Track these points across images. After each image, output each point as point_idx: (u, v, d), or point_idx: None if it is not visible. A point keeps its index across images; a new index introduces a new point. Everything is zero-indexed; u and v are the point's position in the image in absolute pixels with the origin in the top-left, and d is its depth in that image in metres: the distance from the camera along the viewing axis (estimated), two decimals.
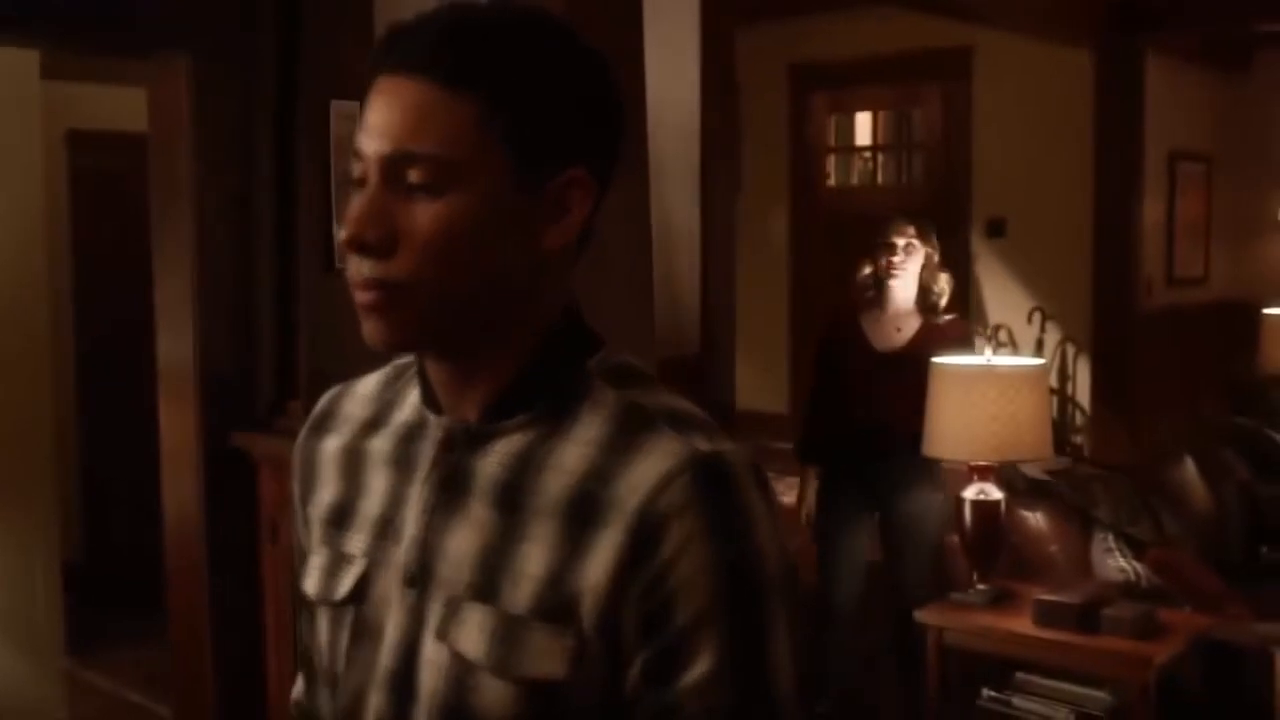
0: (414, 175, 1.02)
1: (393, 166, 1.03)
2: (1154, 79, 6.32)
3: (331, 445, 1.21)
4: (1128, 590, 4.16)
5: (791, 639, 1.04)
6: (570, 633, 1.02)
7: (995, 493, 3.76)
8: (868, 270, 4.42)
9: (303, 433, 1.25)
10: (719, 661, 1.00)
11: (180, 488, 3.74)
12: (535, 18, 1.07)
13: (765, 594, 1.03)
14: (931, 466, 4.20)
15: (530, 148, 1.04)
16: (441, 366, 1.11)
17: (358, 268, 1.06)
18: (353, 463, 1.18)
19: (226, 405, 3.66)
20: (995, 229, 6.89)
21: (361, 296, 1.06)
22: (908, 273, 4.30)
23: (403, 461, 1.14)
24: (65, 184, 5.70)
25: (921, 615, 3.80)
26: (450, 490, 1.09)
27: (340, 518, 1.18)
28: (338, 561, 1.16)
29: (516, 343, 1.09)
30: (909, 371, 4.09)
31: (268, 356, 3.71)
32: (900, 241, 4.29)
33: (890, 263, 4.29)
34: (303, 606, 1.24)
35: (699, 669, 1.00)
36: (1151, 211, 6.50)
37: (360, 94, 1.08)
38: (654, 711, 1.02)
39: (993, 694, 3.82)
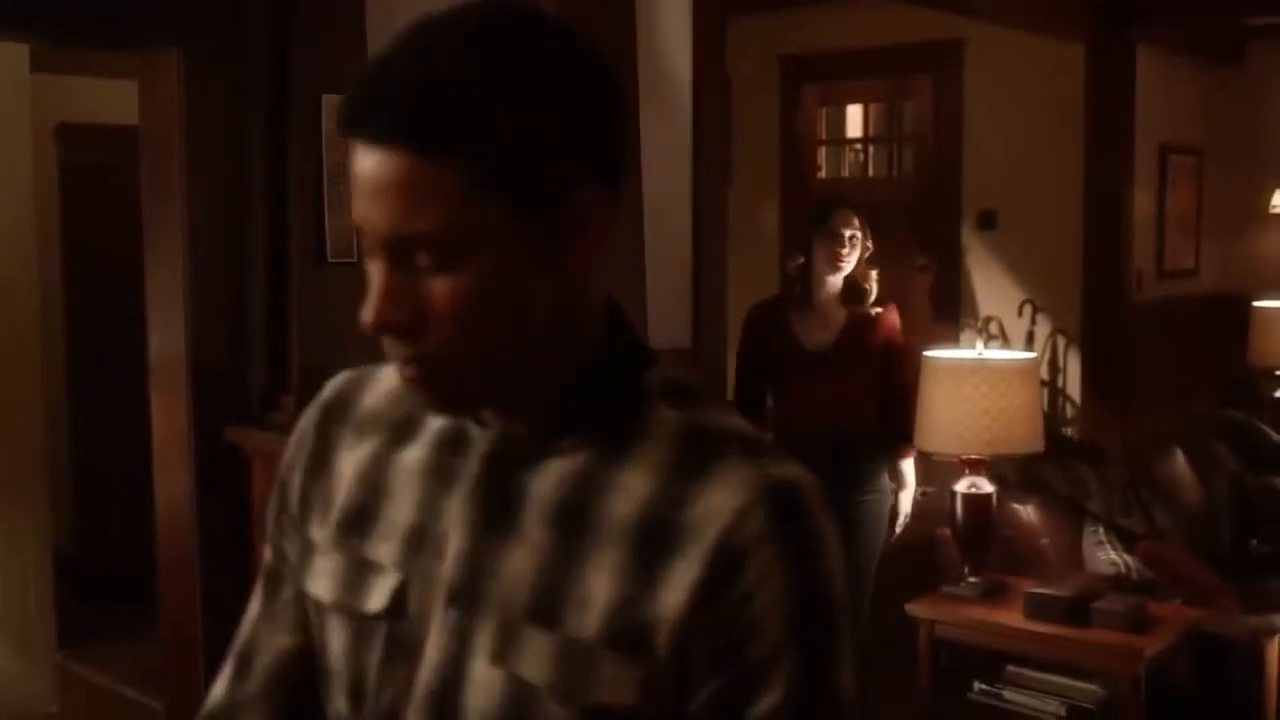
0: (421, 257, 0.97)
1: (397, 248, 0.98)
2: (1145, 72, 6.33)
3: (351, 440, 1.16)
4: (1118, 583, 4.17)
5: (854, 655, 1.03)
6: (643, 661, 0.99)
7: (986, 486, 3.77)
8: (800, 261, 4.17)
9: (311, 415, 1.20)
10: (791, 690, 0.99)
11: (172, 482, 3.74)
12: (513, 35, 0.99)
13: (836, 617, 1.02)
14: (877, 469, 4.14)
15: (531, 192, 0.98)
16: None
17: (393, 347, 1.02)
18: (378, 466, 1.13)
19: (218, 399, 3.66)
20: (986, 221, 6.89)
21: (403, 371, 1.03)
22: (848, 267, 4.08)
23: (442, 472, 1.09)
24: (55, 177, 5.68)
25: (913, 608, 3.81)
26: (501, 508, 1.05)
27: (360, 522, 1.12)
28: (361, 569, 1.11)
29: (563, 362, 1.06)
30: (842, 369, 4.06)
31: (260, 350, 3.71)
32: (847, 233, 4.05)
33: (837, 254, 4.05)
34: (268, 595, 1.21)
35: (771, 698, 0.99)
36: (1142, 204, 6.51)
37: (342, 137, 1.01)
38: None
39: (984, 686, 3.83)
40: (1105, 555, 4.30)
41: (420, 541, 1.08)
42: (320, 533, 1.15)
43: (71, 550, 5.67)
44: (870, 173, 7.79)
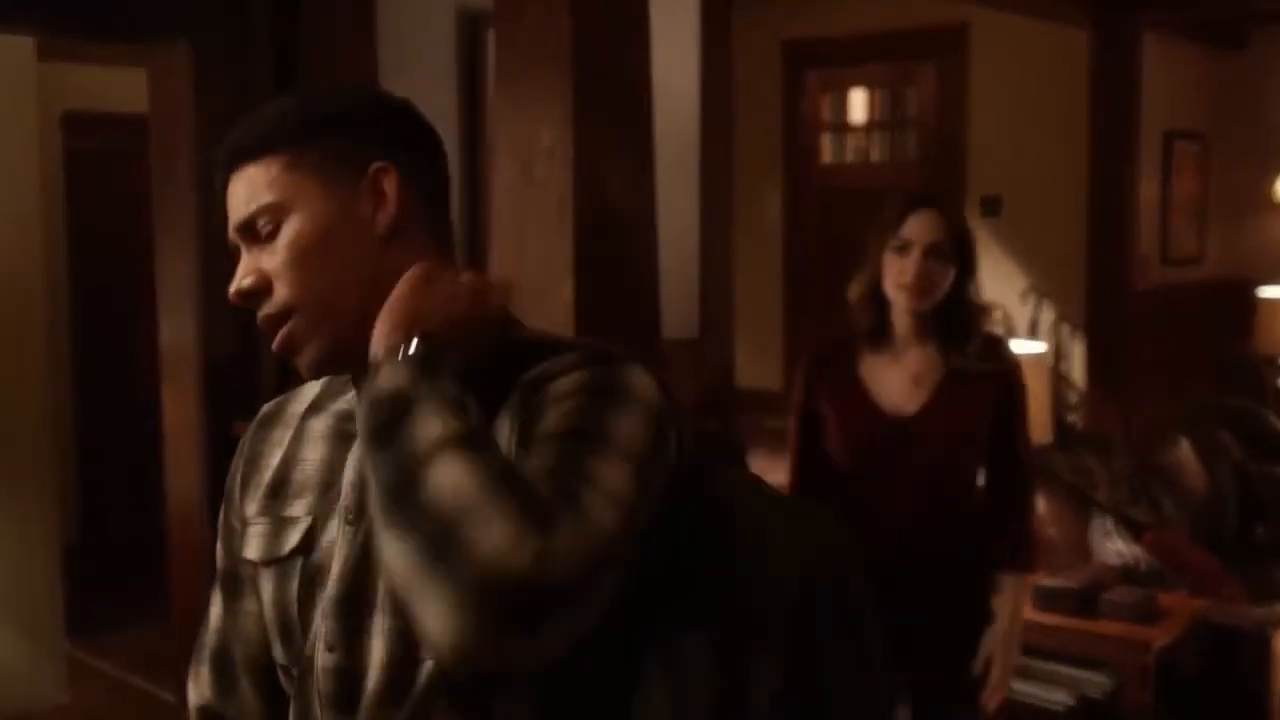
0: (261, 229, 1.26)
1: (245, 231, 1.28)
2: (1150, 57, 6.31)
3: (278, 436, 1.39)
4: (1126, 574, 4.19)
5: (623, 483, 1.15)
6: None
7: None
8: (862, 286, 2.84)
9: (247, 433, 1.43)
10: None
11: (183, 473, 3.74)
12: (308, 89, 1.43)
13: (609, 446, 1.18)
14: (981, 612, 2.87)
15: (331, 168, 1.27)
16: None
17: (260, 321, 1.28)
18: (294, 442, 1.37)
19: (229, 391, 3.66)
20: (990, 208, 6.88)
21: (276, 344, 1.28)
22: (935, 289, 2.76)
23: (341, 435, 1.32)
24: (61, 166, 5.67)
25: None
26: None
27: (278, 489, 1.35)
28: (280, 525, 1.33)
29: None
30: (934, 447, 2.79)
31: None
32: (926, 242, 2.73)
33: (911, 277, 2.73)
34: (223, 590, 1.40)
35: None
36: (1147, 190, 6.50)
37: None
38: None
39: None
40: (1113, 546, 4.32)
41: (327, 491, 1.31)
42: (250, 508, 1.37)
43: (78, 540, 5.68)
44: (873, 158, 7.78)
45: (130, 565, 5.29)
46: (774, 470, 5.08)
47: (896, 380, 2.83)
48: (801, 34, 7.35)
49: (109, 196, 5.66)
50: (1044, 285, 6.60)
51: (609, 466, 1.13)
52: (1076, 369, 6.53)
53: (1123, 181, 6.35)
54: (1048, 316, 6.59)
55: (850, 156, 7.87)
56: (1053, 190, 6.63)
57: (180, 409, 3.73)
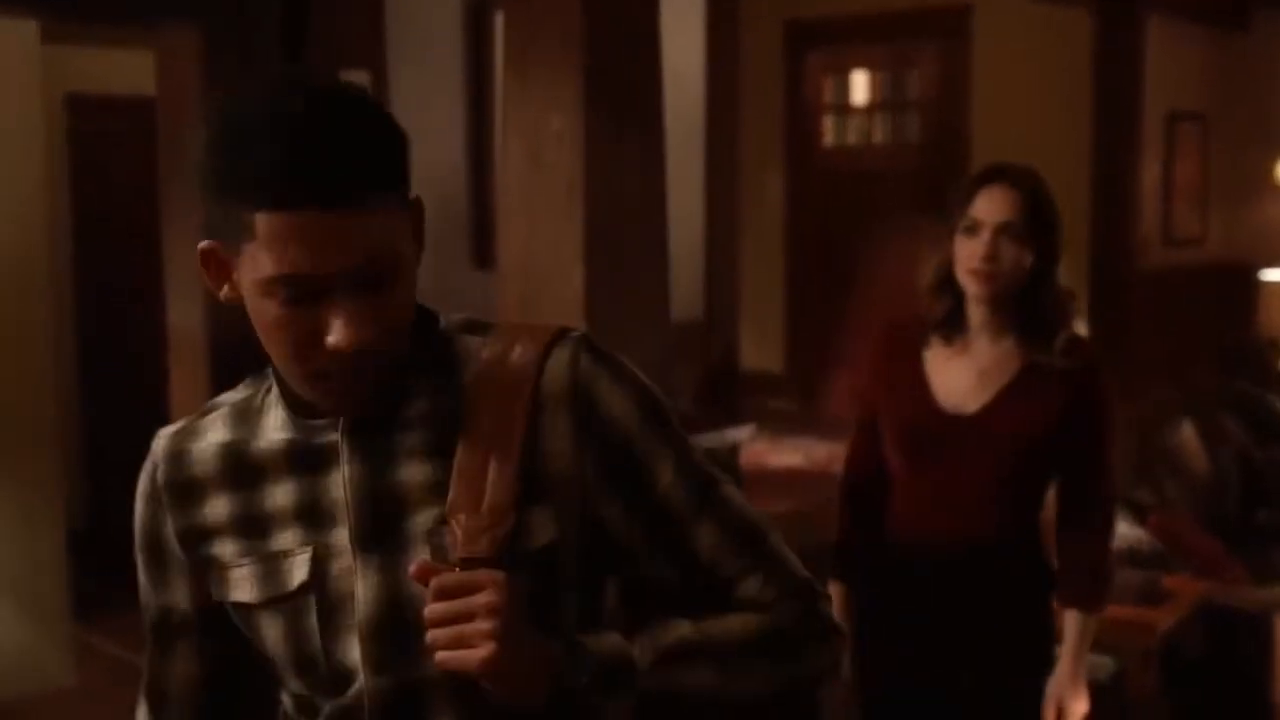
0: (376, 276, 1.17)
1: (358, 275, 1.16)
2: (1153, 39, 6.30)
3: (201, 474, 1.33)
4: (1130, 557, 4.21)
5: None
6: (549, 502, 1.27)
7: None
8: (939, 269, 2.59)
9: (155, 479, 1.35)
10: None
11: None
12: (359, 98, 1.21)
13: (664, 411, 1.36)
14: (1044, 622, 2.64)
15: (409, 207, 1.24)
16: None
17: (344, 360, 1.18)
18: (236, 477, 1.31)
19: (238, 374, 3.66)
20: None
21: (355, 382, 1.21)
22: (1007, 274, 2.49)
23: (305, 464, 1.28)
24: (64, 148, 5.66)
25: None
26: (378, 464, 1.26)
27: (249, 526, 1.30)
28: (273, 561, 1.29)
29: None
30: (994, 449, 2.52)
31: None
32: (998, 221, 2.48)
33: (982, 259, 2.47)
34: (162, 642, 1.39)
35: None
36: (1149, 172, 6.50)
37: (256, 206, 1.15)
38: None
39: None
40: (1117, 529, 4.33)
41: (314, 519, 1.27)
42: (217, 550, 1.32)
43: (84, 523, 5.68)
44: (876, 140, 7.77)
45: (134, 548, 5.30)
46: (775, 453, 5.09)
47: (961, 374, 2.55)
48: (804, 15, 7.33)
49: (112, 179, 5.65)
50: None
51: (731, 493, 1.35)
52: None
53: (1125, 163, 6.35)
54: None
55: (852, 138, 7.85)
56: (1055, 172, 6.57)
57: (189, 393, 3.73)
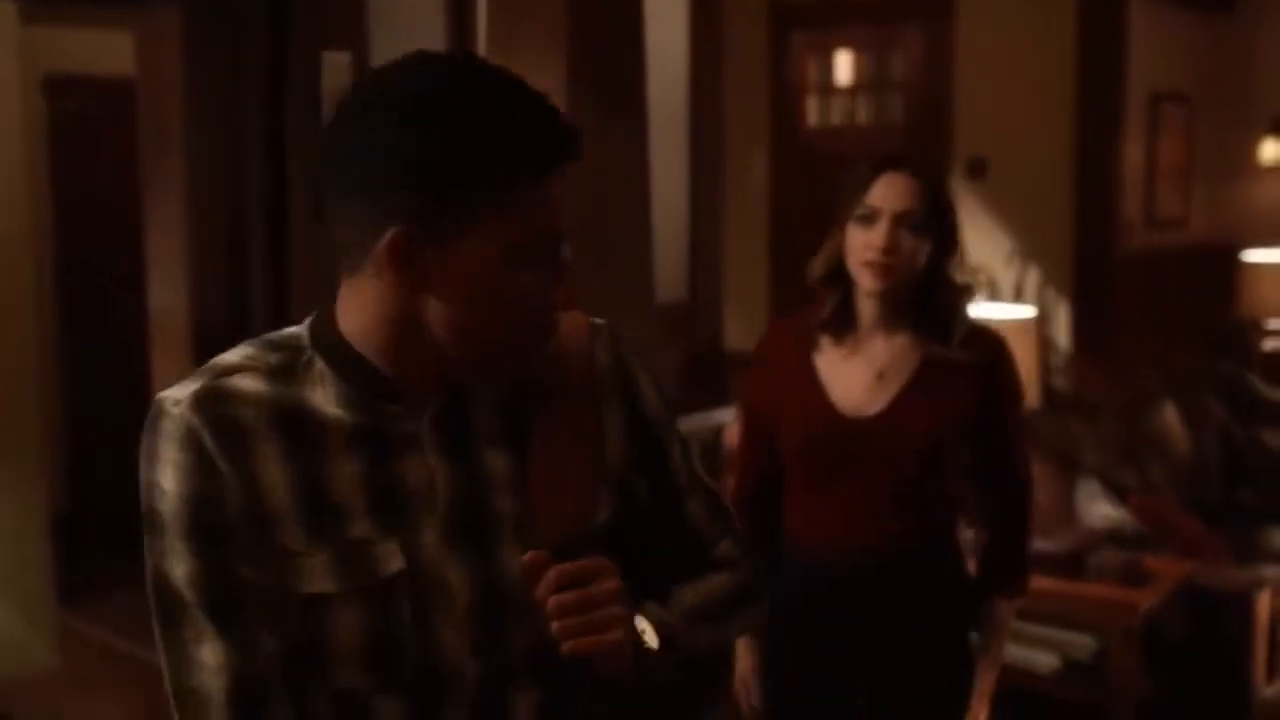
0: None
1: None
2: (1137, 20, 6.30)
3: (257, 448, 1.22)
4: (1113, 536, 4.23)
5: None
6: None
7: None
8: (824, 263, 2.44)
9: (190, 472, 1.22)
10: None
11: None
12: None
13: None
14: (963, 621, 2.52)
15: None
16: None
17: (546, 317, 1.30)
18: (297, 457, 1.23)
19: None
20: (976, 171, 6.88)
21: (542, 335, 1.30)
22: (904, 267, 2.33)
23: (373, 448, 1.25)
24: (43, 130, 5.62)
25: None
26: (461, 452, 1.29)
27: (316, 513, 1.23)
28: (353, 550, 1.23)
29: None
30: (900, 453, 2.37)
31: (261, 309, 3.70)
32: (895, 210, 2.32)
33: (878, 251, 2.31)
34: (230, 624, 1.22)
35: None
36: (1132, 153, 6.51)
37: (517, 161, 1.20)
38: None
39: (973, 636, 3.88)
40: (1099, 509, 4.35)
41: (389, 508, 1.25)
42: (286, 536, 1.22)
43: (68, 507, 5.67)
44: (859, 120, 7.76)
45: (120, 532, 5.26)
46: None
47: (857, 375, 2.40)
48: None
49: (93, 160, 5.62)
50: (1029, 248, 6.61)
51: (700, 467, 1.52)
52: (1062, 333, 6.56)
53: (1109, 144, 6.36)
54: (1033, 280, 6.60)
55: (836, 119, 7.84)
56: (1039, 153, 6.63)
57: (171, 374, 3.71)
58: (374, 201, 1.19)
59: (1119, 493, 4.46)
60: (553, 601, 1.21)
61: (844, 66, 7.76)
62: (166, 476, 1.22)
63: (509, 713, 1.29)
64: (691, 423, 3.17)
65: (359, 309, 1.25)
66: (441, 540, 1.26)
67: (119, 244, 4.68)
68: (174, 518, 1.21)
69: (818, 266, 2.44)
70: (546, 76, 2.60)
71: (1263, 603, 3.92)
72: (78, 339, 5.82)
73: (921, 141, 6.95)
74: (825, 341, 2.43)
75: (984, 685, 2.50)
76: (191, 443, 1.21)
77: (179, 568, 1.22)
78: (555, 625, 1.21)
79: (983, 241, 6.82)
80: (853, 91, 7.79)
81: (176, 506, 1.21)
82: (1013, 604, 2.55)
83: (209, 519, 1.21)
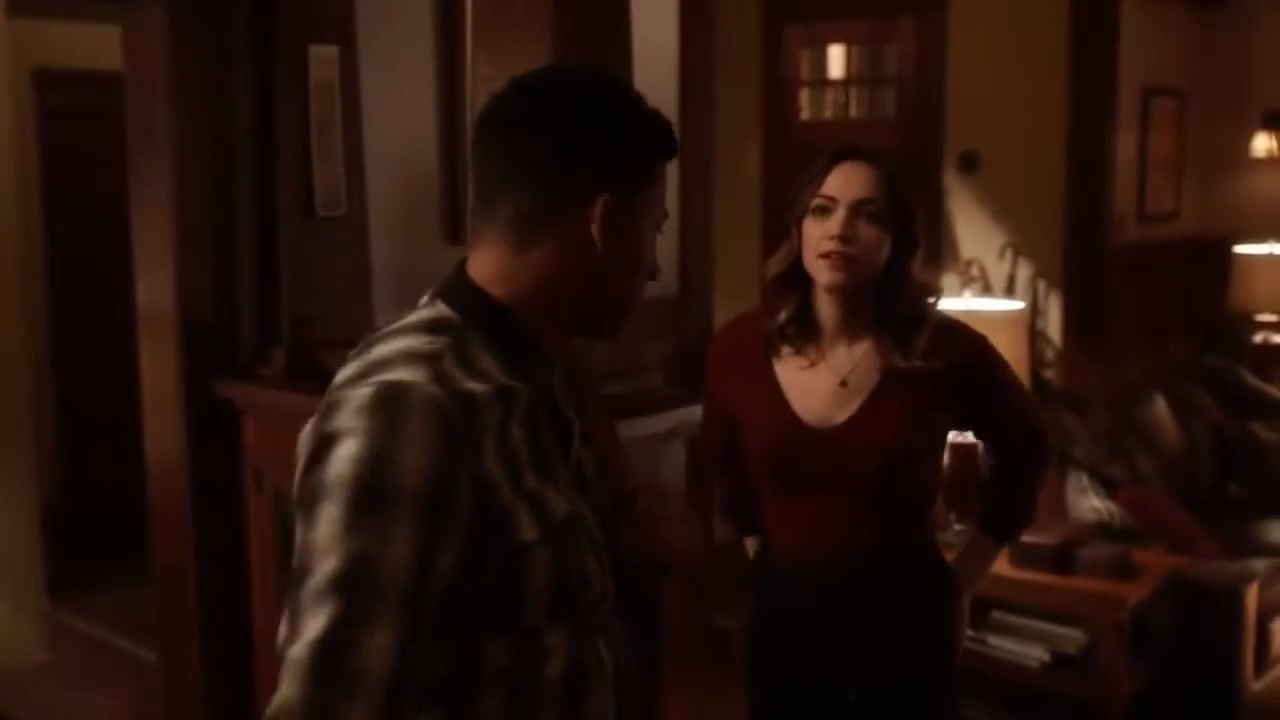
0: None
1: None
2: (1129, 14, 6.30)
3: (499, 416, 1.35)
4: (1102, 530, 4.23)
5: None
6: None
7: (972, 435, 3.79)
8: (780, 260, 2.33)
9: (441, 448, 1.26)
10: None
11: (163, 433, 3.73)
12: None
13: None
14: (942, 623, 2.45)
15: None
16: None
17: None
18: (516, 420, 1.37)
19: (208, 350, 3.65)
20: (968, 164, 6.88)
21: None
22: (862, 259, 2.23)
23: (527, 412, 1.39)
24: (33, 124, 5.61)
25: None
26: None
27: (535, 463, 1.38)
28: (534, 498, 1.36)
29: None
30: (866, 469, 2.27)
31: (249, 302, 3.69)
32: (850, 199, 2.23)
33: (834, 244, 2.21)
34: (416, 618, 1.24)
35: None
36: (1125, 146, 6.51)
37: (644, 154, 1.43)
38: None
39: (969, 633, 3.87)
40: (1089, 502, 4.35)
41: (541, 455, 1.40)
42: (501, 497, 1.33)
43: (59, 500, 5.66)
44: (852, 114, 7.76)
45: (111, 525, 5.28)
46: None
47: (820, 385, 2.29)
48: None
49: (83, 154, 5.60)
50: (1021, 242, 6.61)
51: None
52: (1053, 326, 6.56)
53: (1101, 138, 6.36)
54: (1025, 273, 6.60)
55: (829, 113, 7.84)
56: (1031, 147, 6.63)
57: (159, 368, 3.71)
58: (590, 172, 1.38)
59: (1109, 486, 4.46)
60: (652, 517, 1.55)
61: (837, 60, 7.75)
62: (413, 452, 1.24)
63: (613, 630, 1.51)
64: (679, 416, 3.16)
65: (517, 276, 1.40)
66: (572, 483, 1.44)
67: (109, 237, 4.66)
68: (413, 493, 1.24)
69: (773, 265, 2.33)
70: (532, 68, 2.58)
71: (1251, 596, 3.92)
72: (68, 333, 5.81)
73: (914, 135, 6.94)
74: (786, 352, 2.33)
75: (963, 612, 2.48)
76: (443, 417, 1.27)
77: (398, 544, 1.23)
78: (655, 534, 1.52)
79: (974, 234, 6.82)
80: (845, 85, 7.78)
81: (419, 482, 1.24)
82: (999, 547, 2.53)
83: (442, 498, 1.26)
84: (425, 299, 1.45)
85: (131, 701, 4.26)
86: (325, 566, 1.21)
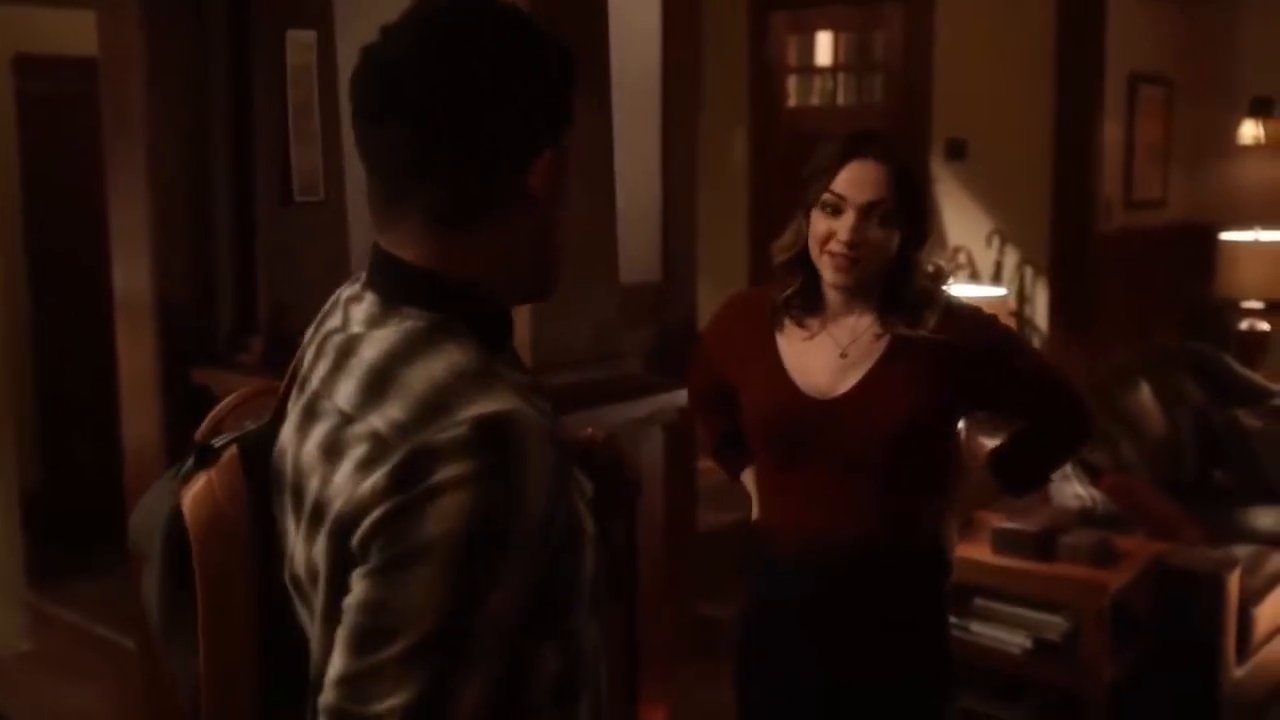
0: None
1: None
2: (1116, 1, 6.30)
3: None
4: (1084, 517, 4.22)
5: None
6: None
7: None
8: (786, 248, 2.34)
9: (554, 475, 1.19)
10: None
11: (141, 420, 3.71)
12: None
13: None
14: (941, 613, 2.45)
15: None
16: None
17: None
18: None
19: (186, 337, 3.63)
20: (955, 151, 6.87)
21: None
22: (870, 261, 2.24)
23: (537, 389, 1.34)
24: (12, 110, 5.57)
25: None
26: None
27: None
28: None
29: None
30: (868, 442, 2.24)
31: (226, 289, 3.67)
32: (861, 200, 2.21)
33: (840, 240, 2.21)
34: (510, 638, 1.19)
35: None
36: (1111, 134, 6.50)
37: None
38: None
39: (952, 620, 3.86)
40: (1072, 489, 4.35)
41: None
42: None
43: (39, 489, 5.63)
44: (840, 101, 7.75)
45: (92, 514, 5.25)
46: None
47: (821, 356, 2.28)
48: None
49: (63, 139, 5.57)
50: (1008, 229, 6.61)
51: None
52: (1040, 313, 6.56)
53: (1087, 125, 6.35)
54: (1011, 260, 6.60)
55: (816, 99, 7.83)
56: (1018, 134, 6.62)
57: (136, 356, 3.69)
58: (530, 130, 1.26)
59: (1091, 472, 4.45)
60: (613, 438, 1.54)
61: (824, 47, 7.74)
62: (532, 486, 1.15)
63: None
64: (659, 402, 3.15)
65: (470, 257, 1.27)
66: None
67: (89, 223, 4.63)
68: (527, 532, 1.16)
69: (779, 252, 2.33)
70: None
71: (1234, 582, 3.92)
72: (48, 319, 5.78)
73: (901, 122, 6.93)
74: (789, 325, 2.33)
75: (952, 530, 2.41)
76: (554, 443, 1.19)
77: (504, 589, 1.15)
78: None
79: (961, 222, 6.82)
80: (833, 72, 7.77)
81: (535, 517, 1.16)
82: (1001, 493, 2.54)
83: (552, 517, 1.18)
84: (356, 288, 1.33)
85: (113, 689, 4.25)
86: (423, 628, 1.13)
